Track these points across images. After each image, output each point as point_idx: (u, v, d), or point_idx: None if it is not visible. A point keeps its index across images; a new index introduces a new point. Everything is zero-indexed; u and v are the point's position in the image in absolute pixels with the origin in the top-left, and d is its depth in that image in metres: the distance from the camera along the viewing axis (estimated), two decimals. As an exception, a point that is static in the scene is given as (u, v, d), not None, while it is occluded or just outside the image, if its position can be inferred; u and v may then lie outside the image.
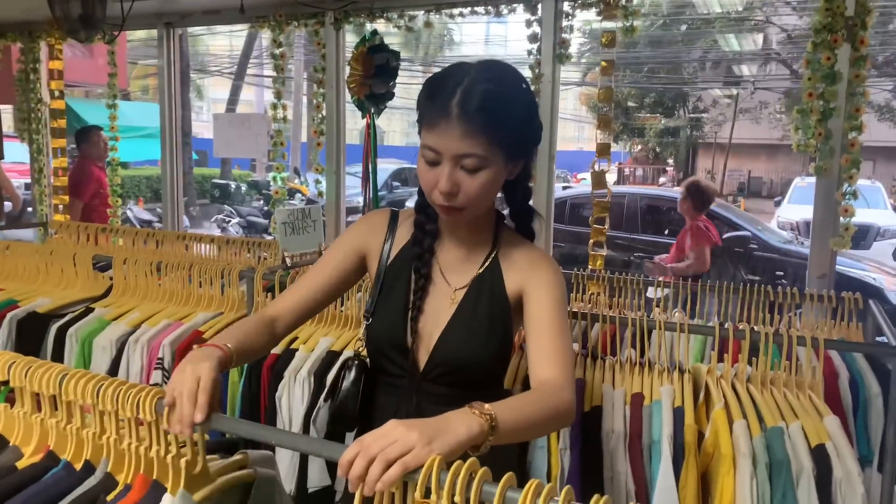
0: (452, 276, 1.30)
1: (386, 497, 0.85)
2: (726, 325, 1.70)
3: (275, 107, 3.46)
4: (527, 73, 2.98)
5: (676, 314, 2.24)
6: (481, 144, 1.13)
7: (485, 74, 1.16)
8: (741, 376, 1.61)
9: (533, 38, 3.02)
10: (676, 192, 9.50)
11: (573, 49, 3.01)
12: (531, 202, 1.36)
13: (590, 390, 1.61)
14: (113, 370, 2.02)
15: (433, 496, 0.82)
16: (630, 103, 21.58)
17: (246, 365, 1.87)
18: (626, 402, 1.56)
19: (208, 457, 1.10)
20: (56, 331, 2.13)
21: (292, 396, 1.79)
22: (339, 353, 1.85)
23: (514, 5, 3.07)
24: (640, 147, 24.37)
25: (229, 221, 10.32)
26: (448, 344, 1.26)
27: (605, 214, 2.77)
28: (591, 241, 2.84)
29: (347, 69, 3.23)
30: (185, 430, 1.00)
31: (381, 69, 3.03)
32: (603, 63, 2.84)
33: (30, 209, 4.98)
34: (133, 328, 2.08)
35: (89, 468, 1.07)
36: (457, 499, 0.80)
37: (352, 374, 1.36)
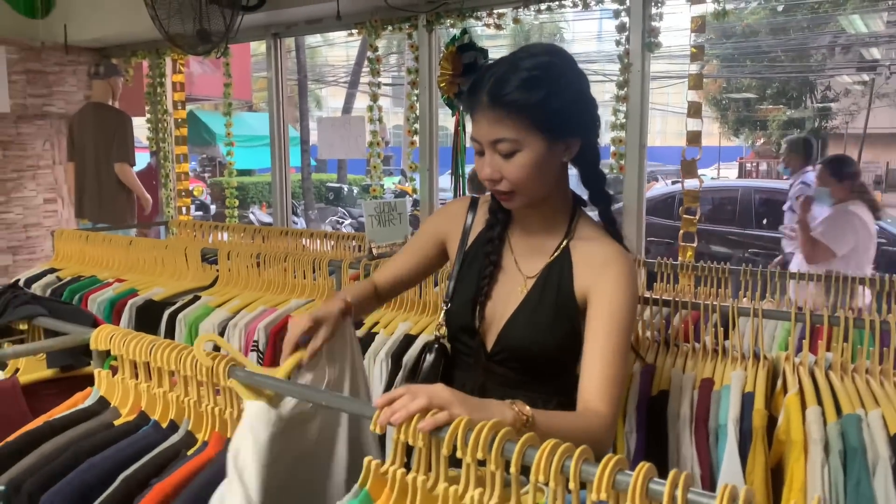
0: (525, 263, 1.32)
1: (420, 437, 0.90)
2: (805, 311, 1.62)
3: (370, 108, 3.61)
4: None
5: (765, 303, 2.16)
6: (511, 127, 1.16)
7: (520, 61, 1.18)
8: (821, 363, 1.55)
9: (621, 27, 2.98)
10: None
11: (677, 41, 2.94)
12: (606, 187, 1.33)
13: (659, 375, 1.59)
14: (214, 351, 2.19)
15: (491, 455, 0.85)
16: (750, 94, 20.50)
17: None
18: (695, 386, 1.54)
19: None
20: (168, 316, 2.34)
21: (371, 376, 1.88)
22: (415, 337, 1.93)
23: (602, -4, 3.05)
24: (762, 140, 23.10)
25: (342, 223, 10.77)
26: (512, 331, 1.28)
27: (696, 205, 2.70)
28: (681, 231, 2.77)
29: (439, 69, 3.33)
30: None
31: (470, 67, 3.11)
32: (692, 49, 2.77)
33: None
34: (233, 314, 2.25)
35: (174, 426, 1.20)
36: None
37: (431, 357, 1.42)
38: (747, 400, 1.45)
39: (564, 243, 1.29)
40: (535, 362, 1.28)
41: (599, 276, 1.22)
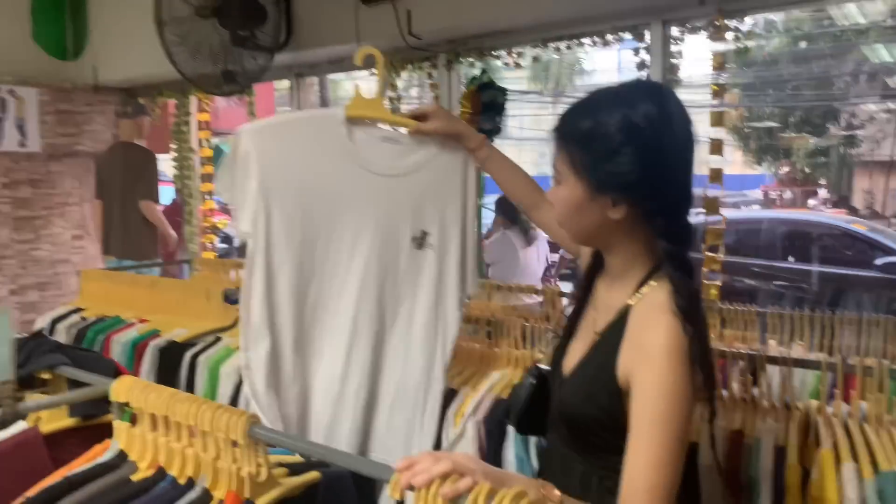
0: (600, 313, 1.20)
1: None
2: (840, 360, 1.58)
3: (391, 146, 3.63)
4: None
5: (796, 347, 2.11)
6: (559, 157, 1.15)
7: (603, 101, 1.11)
8: (855, 414, 1.50)
9: (640, 65, 2.98)
10: (825, 215, 8.86)
11: (702, 71, 2.91)
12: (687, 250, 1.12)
13: (684, 425, 1.55)
14: (235, 395, 2.18)
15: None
16: (773, 123, 20.39)
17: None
18: (725, 438, 1.49)
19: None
20: (189, 358, 2.34)
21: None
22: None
23: (621, 34, 3.05)
24: (786, 168, 22.90)
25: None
26: (564, 390, 1.20)
27: (719, 242, 2.67)
28: (705, 269, 2.73)
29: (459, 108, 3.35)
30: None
31: (489, 106, 3.12)
32: (713, 87, 2.76)
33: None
34: (254, 357, 2.25)
35: (190, 483, 1.19)
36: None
37: (526, 380, 1.35)
38: (780, 454, 1.40)
39: (628, 305, 1.13)
40: (581, 431, 1.17)
41: (642, 358, 1.05)
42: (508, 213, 5.16)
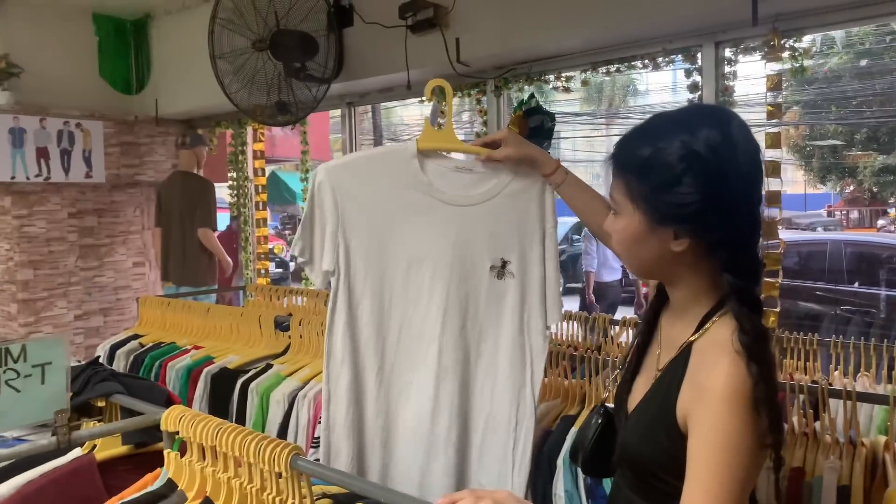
0: (664, 349, 1.15)
1: None
2: (909, 394, 1.49)
3: (440, 173, 3.66)
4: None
5: (862, 379, 2.01)
6: (616, 187, 1.09)
7: (664, 127, 1.05)
8: (926, 453, 1.41)
9: (693, 87, 2.93)
10: (893, 236, 8.48)
11: (758, 90, 2.82)
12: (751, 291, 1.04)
13: (740, 462, 1.49)
14: (285, 423, 2.21)
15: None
16: (836, 141, 19.74)
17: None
18: (784, 476, 1.43)
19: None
20: (241, 385, 2.38)
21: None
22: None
23: (672, 56, 3.01)
24: (852, 188, 22.11)
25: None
26: (630, 426, 1.15)
27: (778, 267, 2.58)
28: (763, 296, 2.64)
29: (507, 133, 3.35)
30: None
31: (536, 131, 3.11)
32: (769, 107, 2.68)
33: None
34: (303, 383, 2.27)
35: (236, 515, 1.20)
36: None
37: (592, 419, 1.32)
38: (842, 493, 1.33)
39: (689, 341, 1.07)
40: (643, 473, 1.12)
41: (701, 398, 0.99)
42: None
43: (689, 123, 1.03)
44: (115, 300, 4.94)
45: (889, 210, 21.11)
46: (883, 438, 1.49)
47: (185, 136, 4.77)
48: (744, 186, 1.02)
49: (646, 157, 1.03)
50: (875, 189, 21.13)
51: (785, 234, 2.79)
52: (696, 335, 1.06)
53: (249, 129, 4.92)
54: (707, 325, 1.06)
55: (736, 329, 1.00)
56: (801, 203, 21.95)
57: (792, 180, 26.04)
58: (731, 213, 1.01)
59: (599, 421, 1.28)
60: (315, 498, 1.19)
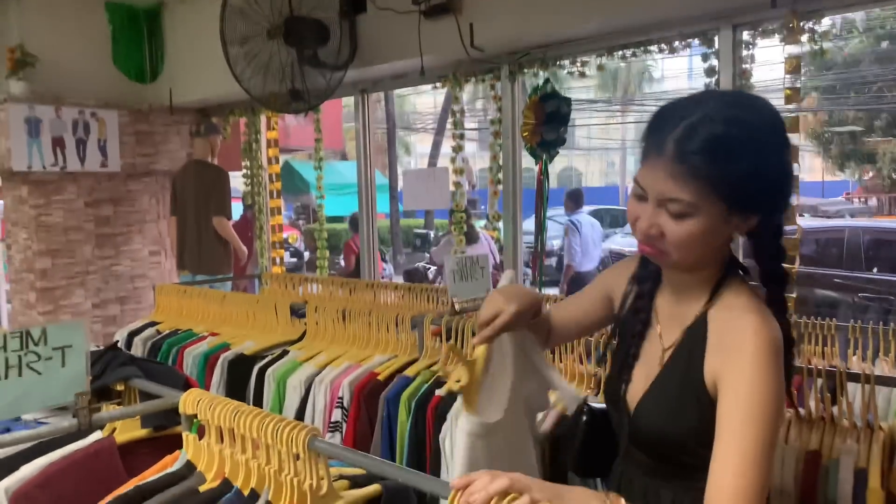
0: (666, 329, 1.16)
1: None
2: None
3: (453, 160, 3.65)
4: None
5: (880, 364, 1.99)
6: (691, 191, 1.00)
7: (724, 112, 1.00)
8: (946, 437, 1.40)
9: (710, 71, 2.90)
10: (913, 223, 8.38)
11: (775, 75, 2.78)
12: (782, 264, 1.12)
13: (757, 445, 1.48)
14: (301, 408, 2.22)
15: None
16: (855, 127, 19.48)
17: (413, 405, 1.97)
18: (800, 459, 1.42)
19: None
20: (257, 371, 2.40)
21: (453, 437, 1.85)
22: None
23: (689, 40, 2.98)
24: (871, 174, 21.83)
25: (429, 268, 10.84)
26: (643, 413, 1.15)
27: (795, 253, 2.55)
28: (780, 282, 2.62)
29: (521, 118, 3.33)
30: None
31: (552, 116, 3.09)
32: (787, 91, 2.65)
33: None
34: (320, 369, 2.28)
35: (254, 495, 1.21)
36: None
37: (577, 420, 1.33)
38: (860, 476, 1.32)
39: (704, 312, 1.10)
40: (670, 450, 1.12)
41: (732, 358, 1.02)
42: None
43: (748, 107, 1.03)
44: (131, 289, 4.99)
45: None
46: (902, 422, 1.48)
47: (200, 125, 4.79)
48: (789, 160, 1.07)
49: (737, 162, 1.00)
50: (894, 176, 20.85)
51: (803, 222, 2.77)
52: (709, 305, 1.10)
53: (263, 118, 4.93)
54: (720, 293, 1.10)
55: (754, 293, 1.08)
56: (819, 190, 21.73)
57: (810, 168, 25.74)
58: (783, 200, 1.08)
59: (584, 419, 1.28)
60: (332, 479, 1.20)
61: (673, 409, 1.10)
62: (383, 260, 9.68)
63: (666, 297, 1.19)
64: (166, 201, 5.00)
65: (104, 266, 4.84)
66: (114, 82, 4.83)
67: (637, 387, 1.18)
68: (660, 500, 1.14)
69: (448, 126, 4.86)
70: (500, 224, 3.69)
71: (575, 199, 7.30)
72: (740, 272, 1.12)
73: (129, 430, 1.52)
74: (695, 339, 1.09)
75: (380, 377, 2.15)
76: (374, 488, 1.21)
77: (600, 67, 3.30)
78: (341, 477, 1.27)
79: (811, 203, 15.17)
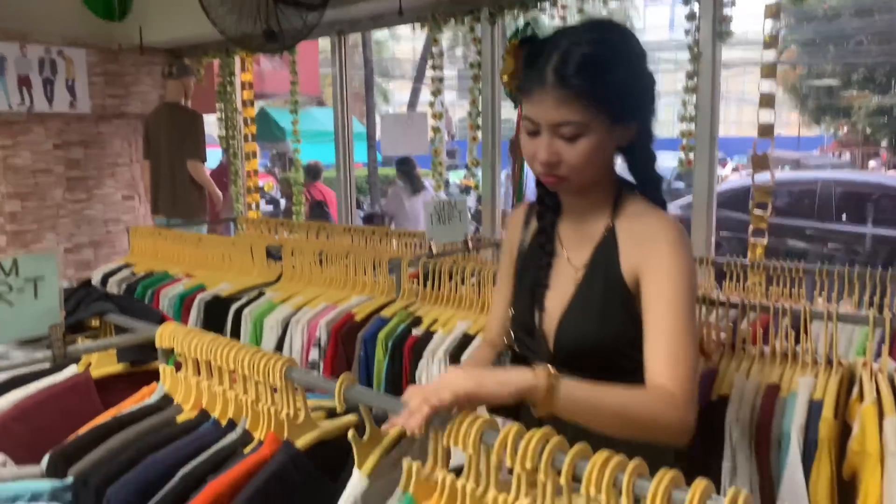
0: (574, 252, 1.25)
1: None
2: (888, 315, 1.53)
3: (432, 104, 3.61)
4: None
5: (844, 305, 2.05)
6: (578, 110, 1.09)
7: (586, 36, 1.11)
8: (902, 371, 1.46)
9: (691, 16, 2.88)
10: (883, 176, 8.50)
11: (756, 28, 2.75)
12: (656, 168, 1.26)
13: (721, 379, 1.53)
14: (278, 347, 2.24)
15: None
16: (833, 81, 19.55)
17: (390, 345, 2.00)
18: (759, 392, 1.47)
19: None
20: (234, 311, 2.40)
21: (430, 375, 1.88)
22: (473, 336, 1.92)
23: (670, -16, 2.95)
24: (846, 129, 22.00)
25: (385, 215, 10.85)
26: (567, 327, 1.21)
27: (767, 200, 2.59)
28: (751, 227, 2.66)
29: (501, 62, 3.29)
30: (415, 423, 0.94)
31: (531, 60, 3.05)
32: (766, 37, 2.65)
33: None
34: (296, 310, 2.30)
35: (232, 424, 1.23)
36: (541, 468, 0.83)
37: (504, 359, 1.35)
38: (815, 408, 1.37)
39: (610, 225, 1.21)
40: (598, 359, 1.19)
41: (648, 250, 1.14)
42: (402, 167, 6.42)
43: (623, 32, 1.15)
44: (104, 233, 4.93)
45: (881, 152, 21.08)
46: (861, 359, 1.53)
47: (172, 66, 4.66)
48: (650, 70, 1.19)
49: (613, 75, 1.09)
50: (868, 130, 21.04)
51: (780, 174, 2.81)
52: (614, 219, 1.21)
53: (237, 60, 4.83)
54: (620, 206, 1.22)
55: (648, 202, 1.22)
56: (795, 144, 21.86)
57: (786, 122, 25.85)
58: (654, 106, 1.19)
59: (508, 361, 1.32)
60: (309, 410, 1.22)
61: (599, 318, 1.18)
62: (360, 208, 9.65)
63: (568, 224, 1.27)
64: (139, 145, 4.90)
65: (76, 210, 4.77)
66: (81, 19, 4.67)
67: (553, 313, 1.24)
68: None
69: (427, 70, 4.80)
70: (479, 171, 3.69)
71: None
72: (629, 185, 1.24)
73: (104, 365, 1.53)
74: (607, 250, 1.20)
75: (357, 318, 2.16)
76: (350, 417, 1.24)
77: (581, 11, 3.26)
78: (318, 408, 1.29)
79: (794, 157, 15.28)
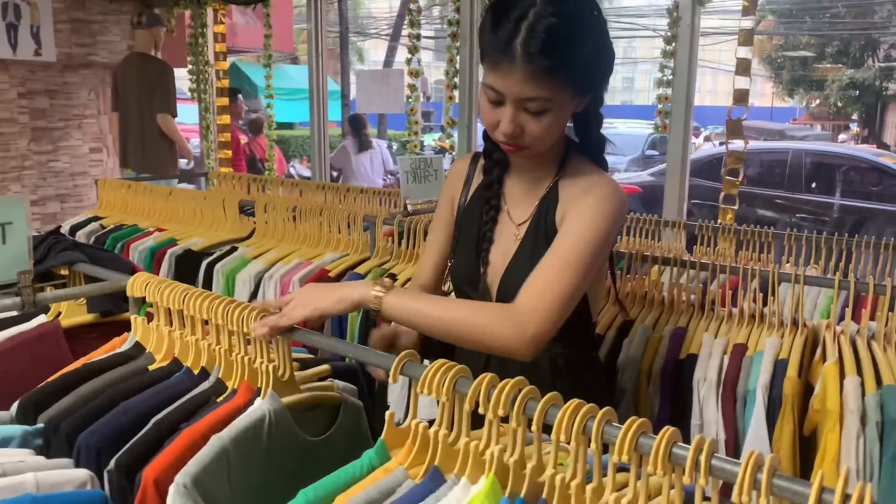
0: (516, 210, 1.28)
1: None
2: (852, 278, 1.57)
3: (409, 62, 3.56)
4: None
5: (811, 270, 2.09)
6: (547, 86, 1.09)
7: (551, 7, 1.07)
8: (863, 332, 1.50)
9: (670, -21, 2.87)
10: (853, 148, 8.64)
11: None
12: (601, 130, 1.28)
13: (690, 339, 1.57)
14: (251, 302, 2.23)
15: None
16: (808, 52, 19.68)
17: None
18: (727, 351, 1.51)
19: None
20: (206, 266, 2.38)
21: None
22: (447, 294, 1.93)
23: (652, -54, 2.92)
24: (818, 101, 22.24)
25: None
26: (510, 282, 1.22)
27: (739, 166, 2.62)
28: (723, 193, 2.70)
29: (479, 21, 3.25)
30: (262, 332, 1.11)
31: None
32: (744, 2, 2.65)
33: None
34: (269, 265, 2.28)
35: (204, 374, 1.22)
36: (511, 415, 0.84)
37: None
38: (780, 367, 1.41)
39: (554, 182, 1.24)
40: None
41: (578, 200, 1.17)
42: (352, 124, 6.59)
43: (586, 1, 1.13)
44: (71, 186, 4.83)
45: (851, 126, 21.38)
46: (825, 321, 1.57)
47: (142, 15, 4.51)
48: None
49: (580, 50, 1.09)
50: (840, 104, 21.30)
51: (754, 144, 2.83)
52: (558, 177, 1.24)
53: (210, 11, 4.70)
54: (566, 165, 1.24)
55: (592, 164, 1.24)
56: (768, 115, 22.05)
57: (760, 93, 26.04)
58: (609, 75, 1.20)
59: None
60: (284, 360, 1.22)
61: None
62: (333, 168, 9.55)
63: (515, 181, 1.29)
64: (107, 96, 4.77)
65: (41, 161, 4.65)
66: (45, -37, 4.50)
67: (497, 267, 1.26)
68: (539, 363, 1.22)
69: (404, 27, 4.72)
70: (455, 132, 3.67)
71: None
72: (575, 145, 1.26)
73: (74, 315, 1.51)
74: (548, 205, 1.23)
75: (331, 273, 2.16)
76: (323, 367, 1.24)
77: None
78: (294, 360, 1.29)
79: (779, 128, 15.41)
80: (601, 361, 1.45)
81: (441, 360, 0.93)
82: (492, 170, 1.30)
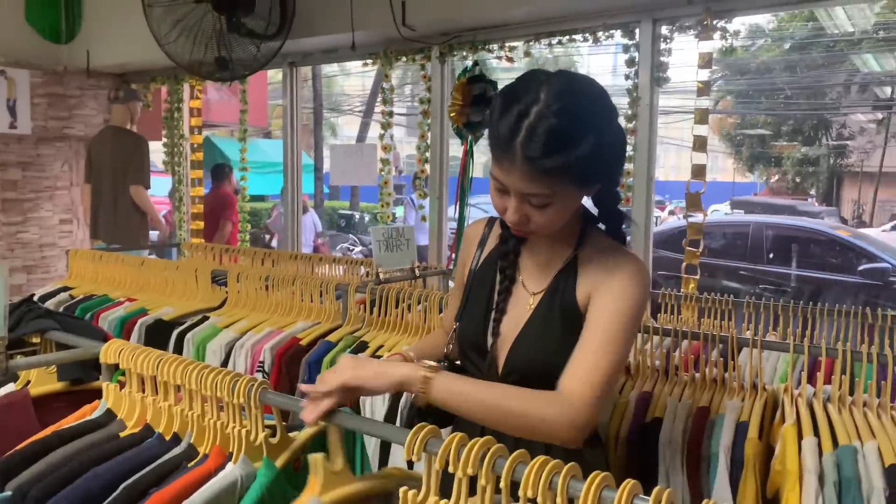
0: (531, 280, 1.29)
1: None
2: (807, 343, 1.63)
3: (381, 137, 3.68)
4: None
5: (770, 336, 2.17)
6: (547, 185, 1.11)
7: (554, 106, 1.08)
8: (819, 395, 1.56)
9: (630, 62, 3.04)
10: (812, 221, 8.96)
11: (691, 77, 2.89)
12: (620, 206, 1.31)
13: (655, 403, 1.61)
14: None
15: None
16: (765, 131, 20.57)
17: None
18: (690, 414, 1.55)
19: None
20: (176, 336, 2.37)
21: (373, 400, 1.90)
22: (418, 361, 1.95)
23: (612, 31, 3.11)
24: (776, 177, 23.11)
25: (353, 250, 10.83)
26: (521, 350, 1.25)
27: (699, 237, 2.73)
28: (684, 264, 2.79)
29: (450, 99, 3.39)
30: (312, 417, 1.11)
31: (479, 98, 3.17)
32: (699, 84, 2.82)
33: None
34: (240, 334, 2.29)
35: (176, 439, 1.23)
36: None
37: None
38: (741, 429, 1.46)
39: (573, 255, 1.25)
40: (546, 382, 1.18)
41: (604, 277, 1.18)
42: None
43: (573, 92, 1.11)
44: (39, 258, 4.79)
45: (809, 199, 22.15)
46: (784, 385, 1.63)
47: (119, 90, 4.62)
48: (619, 125, 1.20)
49: (581, 151, 1.08)
50: (797, 179, 22.14)
51: (715, 217, 2.97)
52: (578, 250, 1.25)
53: (186, 86, 4.81)
54: (585, 239, 1.26)
55: (611, 239, 1.27)
56: (731, 190, 22.79)
57: (722, 168, 26.95)
58: (623, 161, 1.25)
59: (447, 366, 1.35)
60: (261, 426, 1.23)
61: (552, 340, 1.22)
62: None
63: (532, 251, 1.31)
64: (80, 168, 4.80)
65: (9, 232, 4.63)
66: (26, 41, 4.61)
67: (507, 337, 1.27)
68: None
69: (377, 104, 4.87)
70: (426, 203, 3.75)
71: None
72: (594, 220, 1.29)
73: (44, 384, 1.50)
74: (566, 277, 1.24)
75: (302, 342, 2.17)
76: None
77: (527, 54, 3.40)
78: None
79: (758, 201, 16.08)
80: (601, 440, 1.41)
81: (422, 424, 0.95)
82: (508, 240, 1.32)
